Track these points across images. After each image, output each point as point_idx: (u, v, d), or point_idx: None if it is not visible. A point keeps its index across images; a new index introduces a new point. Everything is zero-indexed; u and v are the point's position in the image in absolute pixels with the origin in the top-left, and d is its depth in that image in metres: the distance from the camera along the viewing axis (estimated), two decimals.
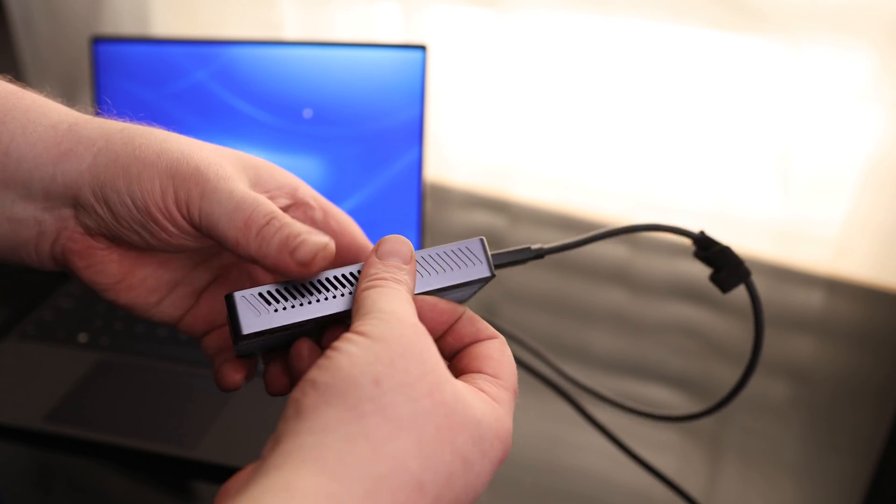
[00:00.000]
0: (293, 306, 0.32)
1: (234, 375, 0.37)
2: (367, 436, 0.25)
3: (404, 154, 0.66)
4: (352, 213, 0.67)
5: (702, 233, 0.44)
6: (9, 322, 0.67)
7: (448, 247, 0.34)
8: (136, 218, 0.33)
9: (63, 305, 0.68)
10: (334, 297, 0.33)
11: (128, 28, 1.02)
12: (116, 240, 0.35)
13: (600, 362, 0.66)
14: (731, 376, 0.65)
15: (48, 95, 0.38)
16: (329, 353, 0.27)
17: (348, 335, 0.28)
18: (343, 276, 0.33)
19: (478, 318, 0.34)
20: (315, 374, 0.27)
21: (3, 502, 0.49)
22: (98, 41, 0.66)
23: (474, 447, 0.28)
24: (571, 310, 0.73)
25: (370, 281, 0.31)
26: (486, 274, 0.34)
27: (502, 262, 0.37)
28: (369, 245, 0.39)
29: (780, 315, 0.73)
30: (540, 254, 0.38)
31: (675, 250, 0.84)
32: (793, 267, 0.82)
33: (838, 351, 0.71)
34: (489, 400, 0.30)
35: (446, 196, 0.95)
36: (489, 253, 0.35)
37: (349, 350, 0.27)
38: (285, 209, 0.37)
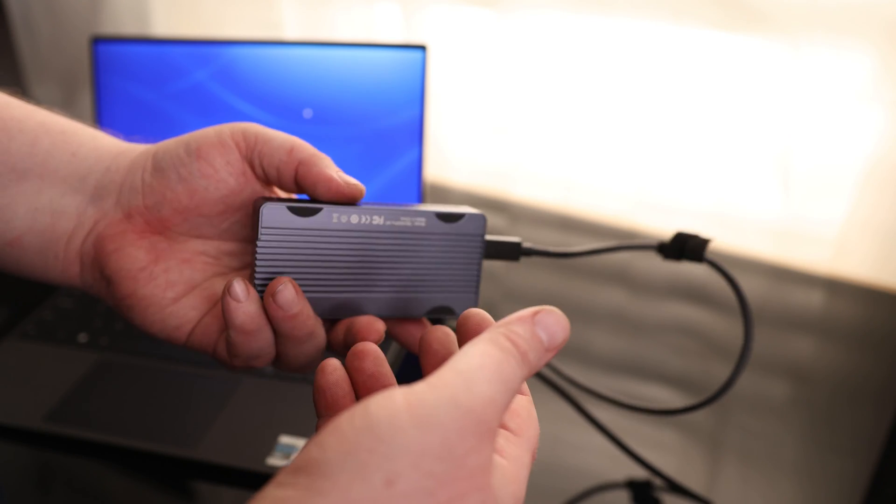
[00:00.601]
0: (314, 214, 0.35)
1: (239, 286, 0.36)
2: None
3: (404, 154, 0.66)
4: None
5: (660, 242, 0.49)
6: (9, 322, 0.67)
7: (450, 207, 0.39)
8: (185, 162, 0.36)
9: (63, 305, 0.68)
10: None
11: (128, 28, 1.02)
12: (156, 213, 0.37)
13: (600, 362, 0.66)
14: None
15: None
16: (358, 413, 0.23)
17: (396, 393, 0.24)
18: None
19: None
20: (329, 440, 0.23)
21: (3, 502, 0.49)
22: (98, 41, 0.66)
23: None
24: (571, 310, 0.73)
25: (499, 337, 0.26)
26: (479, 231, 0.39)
27: (490, 249, 0.41)
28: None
29: (780, 315, 0.73)
30: (528, 252, 0.42)
31: None
32: (793, 267, 0.82)
33: (838, 351, 0.71)
34: (505, 465, 0.27)
35: (446, 196, 0.95)
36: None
37: (378, 425, 0.23)
38: None
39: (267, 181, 0.37)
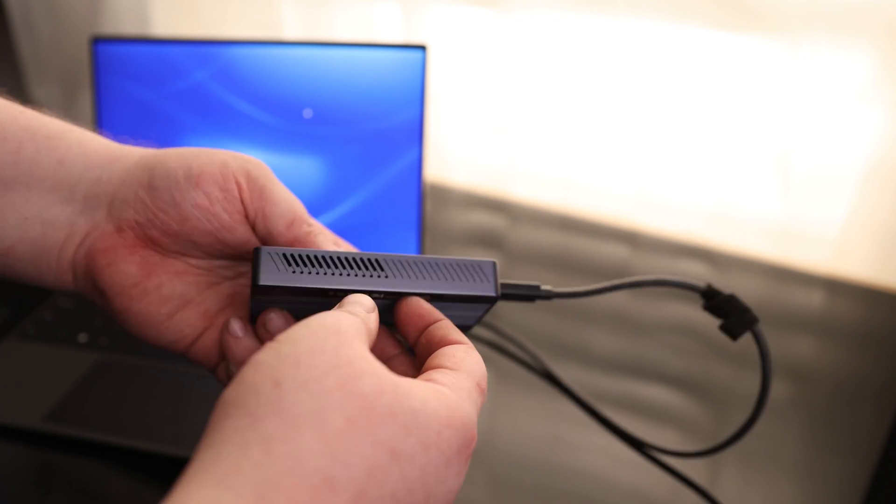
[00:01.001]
0: (312, 273, 0.34)
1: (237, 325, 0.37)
2: (263, 440, 0.24)
3: (404, 154, 0.66)
4: (352, 213, 0.67)
5: (709, 286, 0.45)
6: (9, 322, 0.67)
7: (460, 259, 0.35)
8: (182, 187, 0.35)
9: (63, 305, 0.68)
10: (356, 275, 0.34)
11: (128, 28, 1.02)
12: (146, 230, 0.36)
13: (600, 363, 0.66)
14: (731, 376, 0.65)
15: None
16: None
17: (269, 343, 0.28)
18: (369, 260, 0.34)
19: (453, 326, 0.34)
20: (224, 391, 0.27)
21: (2, 502, 0.49)
22: (98, 41, 0.66)
23: (409, 438, 0.26)
24: (571, 310, 0.73)
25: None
26: (491, 293, 0.35)
27: (509, 292, 0.38)
28: None
29: (780, 315, 0.73)
30: (548, 296, 0.39)
31: (675, 251, 0.84)
32: (793, 267, 0.82)
33: (838, 351, 0.71)
34: (438, 388, 0.29)
35: (446, 196, 0.95)
36: (498, 278, 0.35)
37: (255, 359, 0.27)
38: None
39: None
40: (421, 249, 0.67)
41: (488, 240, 0.85)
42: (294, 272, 0.33)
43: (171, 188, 0.35)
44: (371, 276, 0.34)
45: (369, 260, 0.34)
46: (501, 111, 0.93)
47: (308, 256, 0.34)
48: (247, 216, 0.36)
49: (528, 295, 0.39)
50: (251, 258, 0.34)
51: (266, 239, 0.36)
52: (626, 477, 0.54)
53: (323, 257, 0.34)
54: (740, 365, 0.66)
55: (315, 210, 0.65)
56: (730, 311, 0.44)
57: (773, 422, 0.60)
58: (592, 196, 0.93)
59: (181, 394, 0.58)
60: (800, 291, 0.80)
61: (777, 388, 0.64)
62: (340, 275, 0.34)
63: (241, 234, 0.36)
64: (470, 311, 0.36)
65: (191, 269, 0.38)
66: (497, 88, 0.92)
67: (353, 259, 0.34)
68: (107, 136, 0.40)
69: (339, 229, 0.65)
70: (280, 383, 0.26)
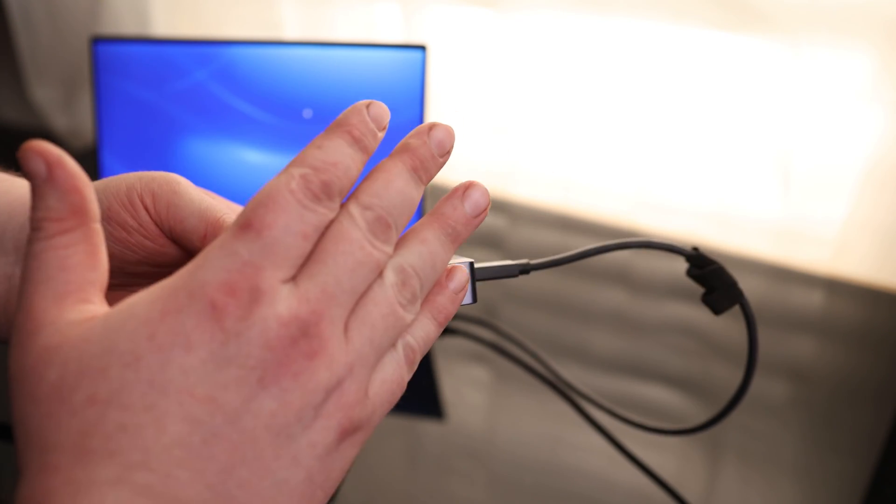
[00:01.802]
0: None
1: None
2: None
3: None
4: None
5: (695, 249, 0.43)
6: None
7: None
8: None
9: None
10: None
11: (128, 28, 1.02)
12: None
13: (600, 362, 0.66)
14: (731, 376, 0.65)
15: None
16: None
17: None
18: None
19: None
20: None
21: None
22: (98, 41, 0.66)
23: (107, 373, 0.22)
24: (571, 310, 0.73)
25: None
26: (468, 301, 0.34)
27: (484, 276, 0.37)
28: None
29: (779, 315, 0.73)
30: (525, 269, 0.38)
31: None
32: (793, 267, 0.82)
33: (838, 351, 0.71)
34: (153, 288, 0.24)
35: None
36: (475, 280, 0.34)
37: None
38: None
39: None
40: None
41: (488, 240, 0.85)
42: None
43: None
44: None
45: None
46: (501, 111, 0.93)
47: None
48: (167, 235, 0.34)
49: (506, 275, 0.37)
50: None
51: (195, 253, 0.33)
52: (625, 477, 0.54)
53: None
54: (740, 365, 0.66)
55: None
56: (716, 284, 0.43)
57: (772, 422, 0.60)
58: (592, 196, 0.93)
59: None
60: (800, 291, 0.80)
61: (777, 388, 0.64)
62: None
63: (173, 252, 0.35)
64: None
65: None
66: (497, 88, 0.92)
67: None
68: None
69: None
70: (14, 419, 0.24)
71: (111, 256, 0.33)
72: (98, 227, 0.25)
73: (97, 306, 0.24)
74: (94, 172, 0.66)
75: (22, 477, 0.23)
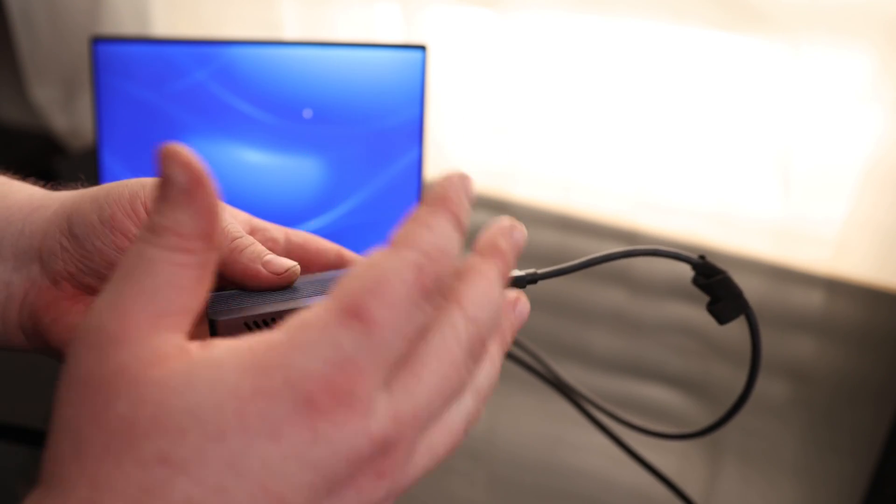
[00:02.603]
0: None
1: None
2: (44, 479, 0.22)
3: (404, 154, 0.66)
4: (352, 213, 0.67)
5: (702, 258, 0.43)
6: None
7: None
8: (100, 233, 0.33)
9: None
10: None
11: (128, 28, 1.02)
12: (81, 279, 0.34)
13: (600, 362, 0.66)
14: (730, 376, 0.65)
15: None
16: None
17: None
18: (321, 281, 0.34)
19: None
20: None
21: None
22: (98, 41, 0.66)
23: (186, 438, 0.21)
24: (571, 310, 0.73)
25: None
26: None
27: None
28: (335, 249, 0.39)
29: (780, 315, 0.73)
30: (533, 279, 0.37)
31: None
32: (793, 267, 0.82)
33: (838, 351, 0.71)
34: (252, 347, 0.22)
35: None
36: None
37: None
38: None
39: None
40: None
41: None
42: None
43: (90, 235, 0.33)
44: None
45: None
46: (501, 111, 0.93)
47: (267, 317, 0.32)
48: None
49: (514, 286, 0.37)
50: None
51: None
52: (626, 477, 0.54)
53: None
54: (740, 365, 0.66)
55: (315, 210, 0.66)
56: (722, 294, 0.43)
57: (773, 422, 0.60)
58: (592, 196, 0.93)
59: None
60: (800, 291, 0.80)
61: (777, 388, 0.64)
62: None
63: None
64: None
65: None
66: (497, 88, 0.92)
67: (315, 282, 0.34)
68: (27, 180, 0.38)
69: (338, 229, 0.65)
70: (59, 415, 0.22)
71: (113, 264, 0.33)
72: (215, 257, 0.24)
73: (184, 340, 0.23)
74: (95, 172, 0.66)
75: (48, 490, 0.21)
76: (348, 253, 0.38)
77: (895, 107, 0.76)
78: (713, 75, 0.82)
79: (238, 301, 0.33)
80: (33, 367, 0.61)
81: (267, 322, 0.32)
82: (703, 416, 0.60)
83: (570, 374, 0.63)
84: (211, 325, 0.32)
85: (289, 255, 0.37)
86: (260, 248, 0.34)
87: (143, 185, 0.33)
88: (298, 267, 0.34)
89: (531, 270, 0.38)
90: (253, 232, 0.38)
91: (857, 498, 0.54)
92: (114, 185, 0.34)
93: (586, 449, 0.56)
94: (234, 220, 0.36)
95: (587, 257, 0.40)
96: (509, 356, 0.65)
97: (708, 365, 0.66)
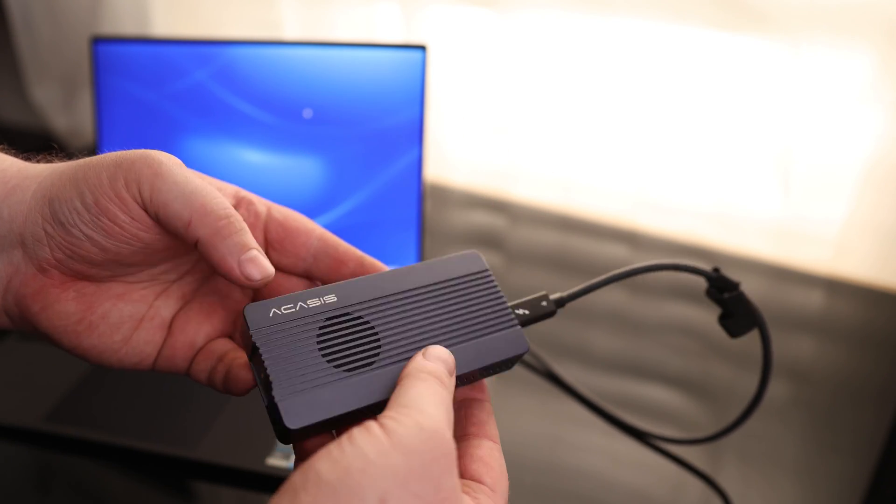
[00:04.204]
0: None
1: (248, 374, 0.34)
2: None
3: (404, 154, 0.66)
4: (352, 213, 0.67)
5: (716, 270, 0.44)
6: None
7: (491, 334, 0.36)
8: (86, 219, 0.31)
9: None
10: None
11: (128, 28, 1.02)
12: (70, 265, 0.33)
13: (600, 362, 0.66)
14: (731, 376, 0.65)
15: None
16: (345, 443, 0.26)
17: (373, 426, 0.27)
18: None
19: (491, 412, 0.36)
20: (322, 465, 0.25)
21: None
22: (98, 41, 0.66)
23: None
24: (571, 310, 0.73)
25: (418, 371, 0.30)
26: (524, 349, 0.37)
27: (527, 322, 0.39)
28: (316, 228, 0.38)
29: (780, 315, 0.73)
30: (561, 303, 0.40)
31: (675, 251, 0.84)
32: (793, 267, 0.82)
33: (838, 351, 0.71)
34: None
35: (446, 196, 0.95)
36: (524, 326, 0.37)
37: (366, 451, 0.26)
38: None
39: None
40: (421, 249, 0.67)
41: (488, 240, 0.85)
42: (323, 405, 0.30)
43: (76, 222, 0.31)
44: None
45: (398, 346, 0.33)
46: (501, 111, 0.93)
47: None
48: (160, 224, 0.32)
49: (545, 316, 0.39)
50: (195, 257, 0.32)
51: (185, 230, 0.32)
52: (626, 477, 0.54)
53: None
54: (740, 365, 0.66)
55: (315, 210, 0.66)
56: (735, 310, 0.44)
57: (773, 422, 0.60)
58: (592, 196, 0.93)
59: (181, 394, 0.58)
60: (800, 291, 0.80)
61: (777, 388, 0.64)
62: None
63: (167, 240, 0.33)
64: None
65: (132, 288, 0.35)
66: (497, 88, 0.92)
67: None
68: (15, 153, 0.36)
69: (339, 229, 0.65)
70: (385, 502, 0.25)
71: (105, 249, 0.32)
72: None
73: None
74: None
75: None
76: (343, 245, 0.38)
77: (895, 107, 0.76)
78: (713, 75, 0.82)
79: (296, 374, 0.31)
80: (34, 367, 0.61)
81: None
82: (703, 417, 0.60)
83: (571, 374, 0.63)
84: (282, 432, 0.30)
85: (266, 230, 0.37)
86: (245, 239, 0.32)
87: (119, 164, 0.32)
88: (273, 273, 0.32)
89: (557, 295, 0.39)
90: (238, 203, 0.37)
91: (858, 498, 0.54)
92: (90, 167, 0.32)
93: (586, 449, 0.56)
94: (221, 192, 0.35)
95: (610, 273, 0.41)
96: None
97: (708, 365, 0.66)
